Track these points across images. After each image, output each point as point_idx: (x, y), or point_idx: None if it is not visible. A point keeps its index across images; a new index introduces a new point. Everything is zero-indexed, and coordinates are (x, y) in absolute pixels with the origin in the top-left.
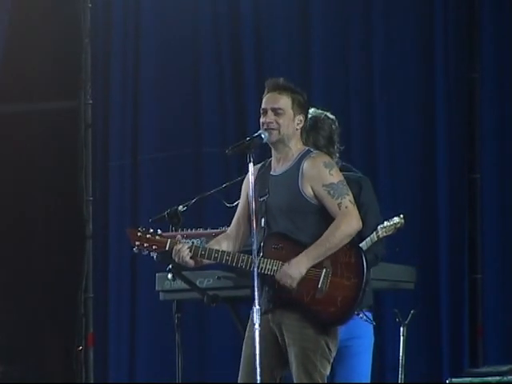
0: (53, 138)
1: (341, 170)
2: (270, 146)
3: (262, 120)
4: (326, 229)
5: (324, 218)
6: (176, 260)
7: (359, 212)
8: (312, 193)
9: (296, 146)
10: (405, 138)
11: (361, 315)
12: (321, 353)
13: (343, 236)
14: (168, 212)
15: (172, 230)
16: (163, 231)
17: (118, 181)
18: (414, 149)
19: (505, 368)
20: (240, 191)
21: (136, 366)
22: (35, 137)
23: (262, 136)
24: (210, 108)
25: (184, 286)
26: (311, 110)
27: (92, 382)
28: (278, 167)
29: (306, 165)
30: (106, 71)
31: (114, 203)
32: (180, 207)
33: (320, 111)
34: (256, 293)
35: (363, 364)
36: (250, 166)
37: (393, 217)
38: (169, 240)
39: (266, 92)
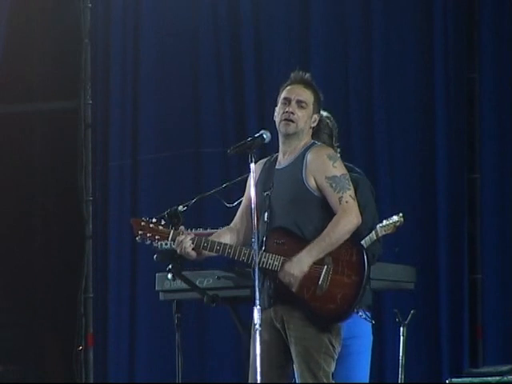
0: (53, 138)
1: None
2: (282, 137)
3: (282, 110)
4: (328, 222)
5: (327, 211)
6: (178, 251)
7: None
8: (315, 184)
9: (304, 141)
10: (404, 138)
11: (360, 313)
12: (324, 351)
13: (343, 232)
14: (168, 212)
15: None
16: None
17: (117, 181)
18: (414, 149)
19: (505, 368)
20: (240, 191)
21: (136, 366)
22: (35, 137)
23: (264, 136)
24: (209, 108)
25: (184, 285)
26: None
27: (92, 382)
28: (283, 160)
29: (309, 156)
30: (106, 71)
31: (113, 203)
32: (180, 207)
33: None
34: (257, 293)
35: (362, 363)
36: (252, 165)
37: (392, 215)
38: (172, 230)
39: (289, 83)
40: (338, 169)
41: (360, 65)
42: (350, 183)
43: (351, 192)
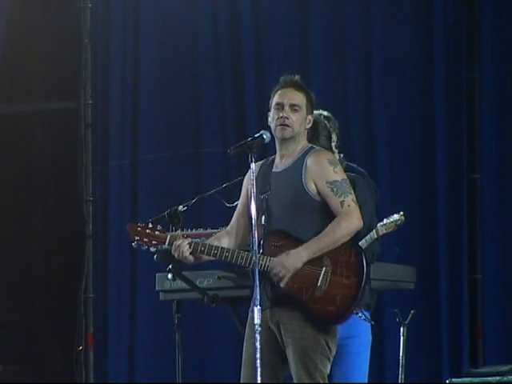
0: (53, 138)
1: (345, 171)
2: (279, 142)
3: (275, 114)
4: (327, 226)
5: (326, 215)
6: (175, 256)
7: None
8: (315, 189)
9: (301, 143)
10: (404, 138)
11: (359, 314)
12: (321, 351)
13: (343, 234)
14: (168, 212)
15: (172, 230)
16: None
17: (117, 181)
18: (414, 149)
19: (505, 368)
20: (240, 191)
21: (135, 366)
22: (35, 137)
23: (264, 136)
24: (209, 108)
25: (184, 285)
26: None
27: (92, 382)
28: (280, 164)
29: (309, 160)
30: (106, 71)
31: (113, 203)
32: (180, 207)
33: (316, 112)
34: (257, 293)
35: (361, 363)
36: (252, 165)
37: (392, 214)
38: (168, 235)
39: (279, 87)
40: (339, 174)
41: (360, 64)
42: (351, 188)
43: (353, 196)
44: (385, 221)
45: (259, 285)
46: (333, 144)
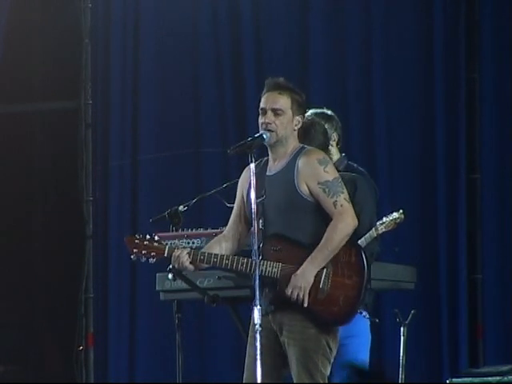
0: (53, 138)
1: (346, 170)
2: (268, 146)
3: (260, 120)
4: (323, 226)
5: (321, 215)
6: (176, 266)
7: (354, 210)
8: (308, 190)
9: (292, 145)
10: (404, 138)
11: (363, 313)
12: (322, 352)
13: (342, 236)
14: (168, 212)
15: (172, 230)
16: (164, 231)
17: (117, 181)
18: (414, 149)
19: (505, 368)
20: None
21: (136, 366)
22: (35, 137)
23: (264, 136)
24: (209, 108)
25: (184, 286)
26: (306, 114)
27: (92, 382)
28: (273, 167)
29: (301, 162)
30: (106, 71)
31: (113, 203)
32: (180, 207)
33: (313, 111)
34: (257, 293)
35: (360, 362)
36: (252, 165)
37: (392, 212)
38: (167, 246)
39: (265, 91)
40: (330, 173)
41: (360, 65)
42: (343, 186)
43: (345, 195)
44: (384, 219)
45: (260, 289)
46: (334, 143)
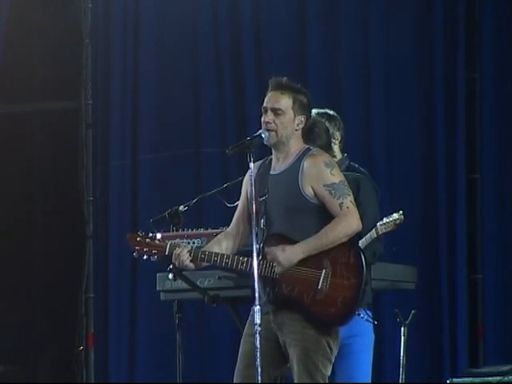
0: (53, 138)
1: (347, 170)
2: (270, 146)
3: (262, 119)
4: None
5: (323, 217)
6: (176, 264)
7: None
8: (312, 192)
9: (296, 145)
10: (405, 138)
11: (361, 315)
12: (322, 353)
13: (341, 234)
14: (169, 212)
15: (173, 230)
16: (164, 231)
17: (118, 181)
18: (414, 149)
19: (505, 368)
20: (240, 191)
21: (136, 366)
22: (35, 137)
23: (263, 136)
24: (209, 108)
25: (185, 285)
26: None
27: (92, 382)
28: (277, 166)
29: (306, 164)
30: (107, 71)
31: (114, 203)
32: (181, 207)
33: (316, 111)
34: (256, 293)
35: (364, 362)
36: (251, 165)
37: (392, 213)
38: (168, 244)
39: (269, 90)
40: (336, 176)
41: (360, 64)
42: (349, 189)
43: (351, 198)
44: (384, 220)
45: (260, 289)
46: (337, 142)
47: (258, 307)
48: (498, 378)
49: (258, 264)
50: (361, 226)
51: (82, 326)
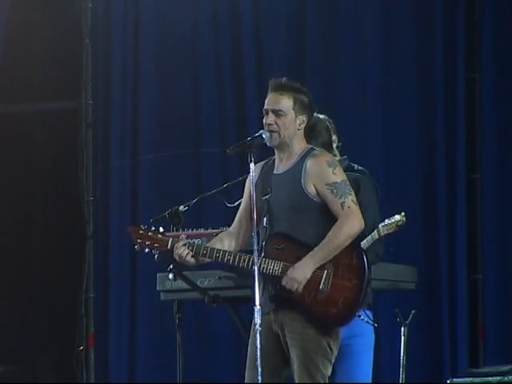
0: (53, 138)
1: (346, 170)
2: (272, 147)
3: (263, 121)
4: (328, 228)
5: (326, 216)
6: (177, 259)
7: None
8: (315, 191)
9: (299, 145)
10: (404, 138)
11: (362, 317)
12: (322, 353)
13: (346, 237)
14: (169, 212)
15: (173, 230)
16: (164, 231)
17: (118, 181)
18: (414, 149)
19: (505, 368)
20: (241, 191)
21: (136, 366)
22: (35, 137)
23: (263, 136)
24: (209, 108)
25: (185, 286)
26: None
27: (92, 382)
28: (280, 166)
29: (309, 163)
30: (106, 71)
31: (114, 203)
32: (181, 207)
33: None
34: (256, 293)
35: (364, 362)
36: (251, 165)
37: (394, 215)
38: (170, 239)
39: (269, 91)
40: (338, 175)
41: (359, 65)
42: (351, 189)
43: (353, 197)
44: (386, 221)
45: (261, 288)
46: (334, 145)
47: (258, 307)
48: (498, 378)
49: (260, 262)
50: (363, 224)
51: (82, 326)
